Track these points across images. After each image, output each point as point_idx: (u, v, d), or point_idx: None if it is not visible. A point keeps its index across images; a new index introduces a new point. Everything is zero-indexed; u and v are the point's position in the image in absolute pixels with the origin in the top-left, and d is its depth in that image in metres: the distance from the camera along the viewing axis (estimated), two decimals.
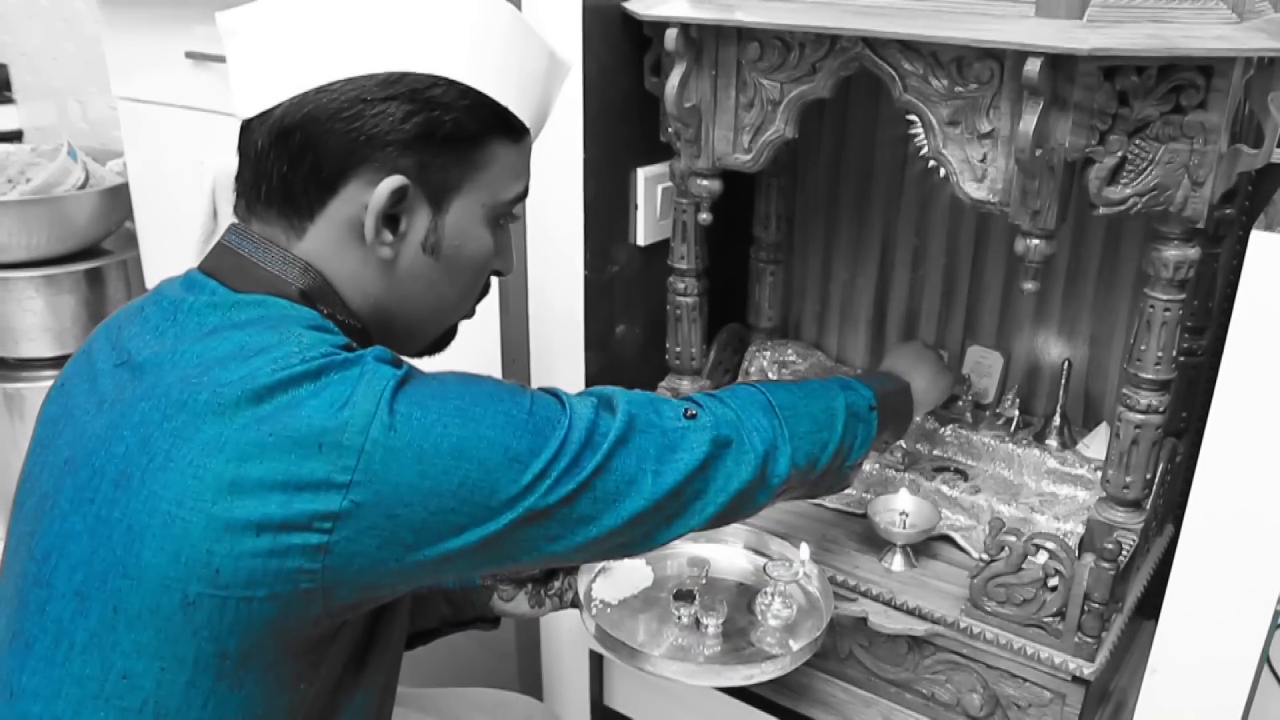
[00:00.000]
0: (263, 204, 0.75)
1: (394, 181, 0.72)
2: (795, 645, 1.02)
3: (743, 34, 1.05)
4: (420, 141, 0.73)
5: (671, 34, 1.06)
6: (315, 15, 0.73)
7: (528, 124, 0.80)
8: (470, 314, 0.87)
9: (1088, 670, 0.98)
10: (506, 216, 0.82)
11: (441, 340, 0.88)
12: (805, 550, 1.08)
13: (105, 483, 0.68)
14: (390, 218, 0.75)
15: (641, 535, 0.78)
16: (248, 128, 0.75)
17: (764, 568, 1.09)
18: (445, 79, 0.73)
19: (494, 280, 0.87)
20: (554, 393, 0.77)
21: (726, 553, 1.15)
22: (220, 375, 0.67)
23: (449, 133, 0.73)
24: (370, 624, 0.78)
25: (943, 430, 1.28)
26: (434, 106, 0.72)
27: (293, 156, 0.72)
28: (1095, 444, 1.20)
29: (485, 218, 0.79)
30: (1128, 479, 1.02)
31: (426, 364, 0.89)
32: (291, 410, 0.66)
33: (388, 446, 0.66)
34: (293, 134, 0.72)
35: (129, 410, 0.69)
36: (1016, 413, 1.26)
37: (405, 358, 0.74)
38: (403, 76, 0.72)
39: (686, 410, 0.82)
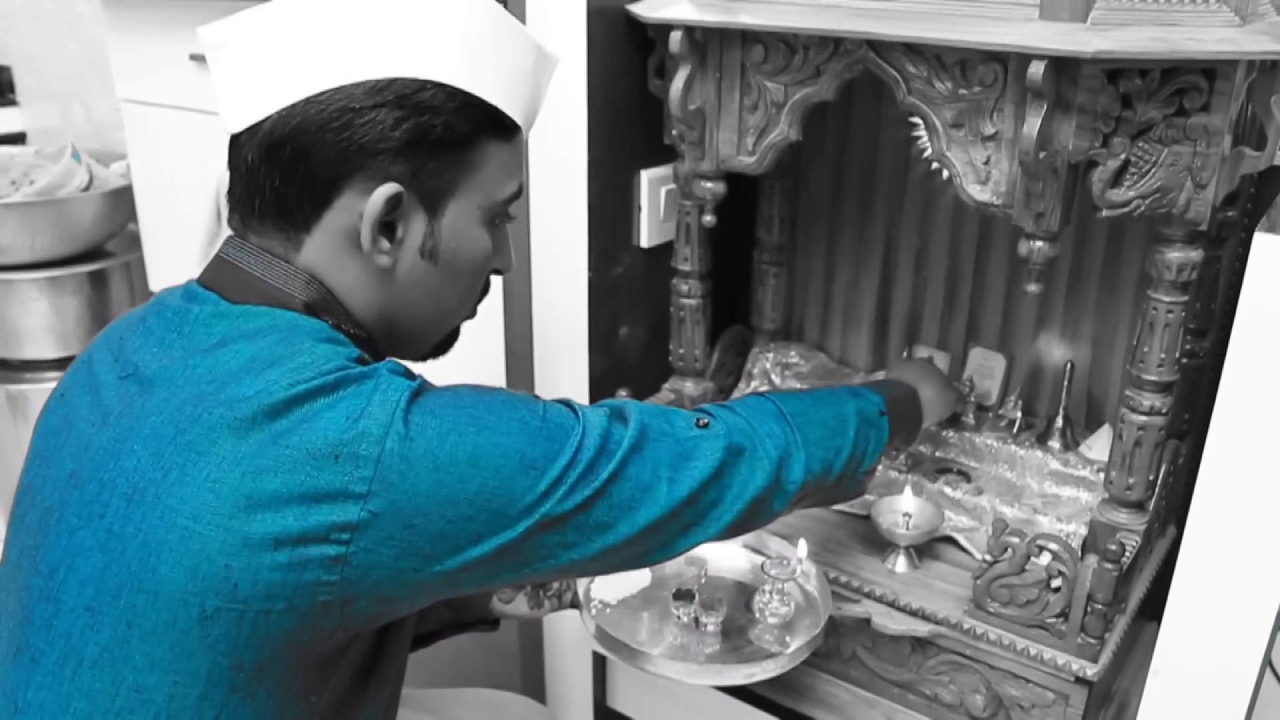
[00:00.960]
0: (257, 218, 0.75)
1: (388, 189, 0.72)
2: (794, 643, 1.03)
3: (747, 36, 1.06)
4: (412, 147, 0.72)
5: (676, 37, 1.06)
6: (299, 25, 0.72)
7: (518, 121, 0.79)
8: (472, 315, 0.87)
9: (1091, 671, 0.98)
10: (502, 216, 0.82)
11: (445, 343, 0.87)
12: (803, 548, 1.08)
13: (116, 497, 0.68)
14: (386, 225, 0.74)
15: (659, 544, 0.79)
16: (237, 141, 0.75)
17: (762, 566, 1.09)
18: (433, 82, 0.72)
19: (494, 279, 0.87)
20: (566, 403, 0.77)
21: (724, 551, 1.15)
22: (235, 390, 0.67)
23: (440, 136, 0.73)
24: (379, 637, 0.77)
25: (946, 432, 1.28)
26: (423, 111, 0.72)
27: (284, 169, 0.72)
28: (1098, 445, 1.21)
29: (481, 218, 0.79)
30: (1130, 480, 1.02)
31: (433, 369, 0.89)
32: (308, 424, 0.66)
33: (404, 456, 0.66)
34: (283, 147, 0.72)
35: (138, 424, 0.69)
36: (1019, 414, 1.26)
37: (416, 369, 0.74)
38: (390, 83, 0.71)
39: (698, 420, 0.82)
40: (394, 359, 0.75)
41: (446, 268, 0.78)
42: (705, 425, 0.81)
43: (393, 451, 0.66)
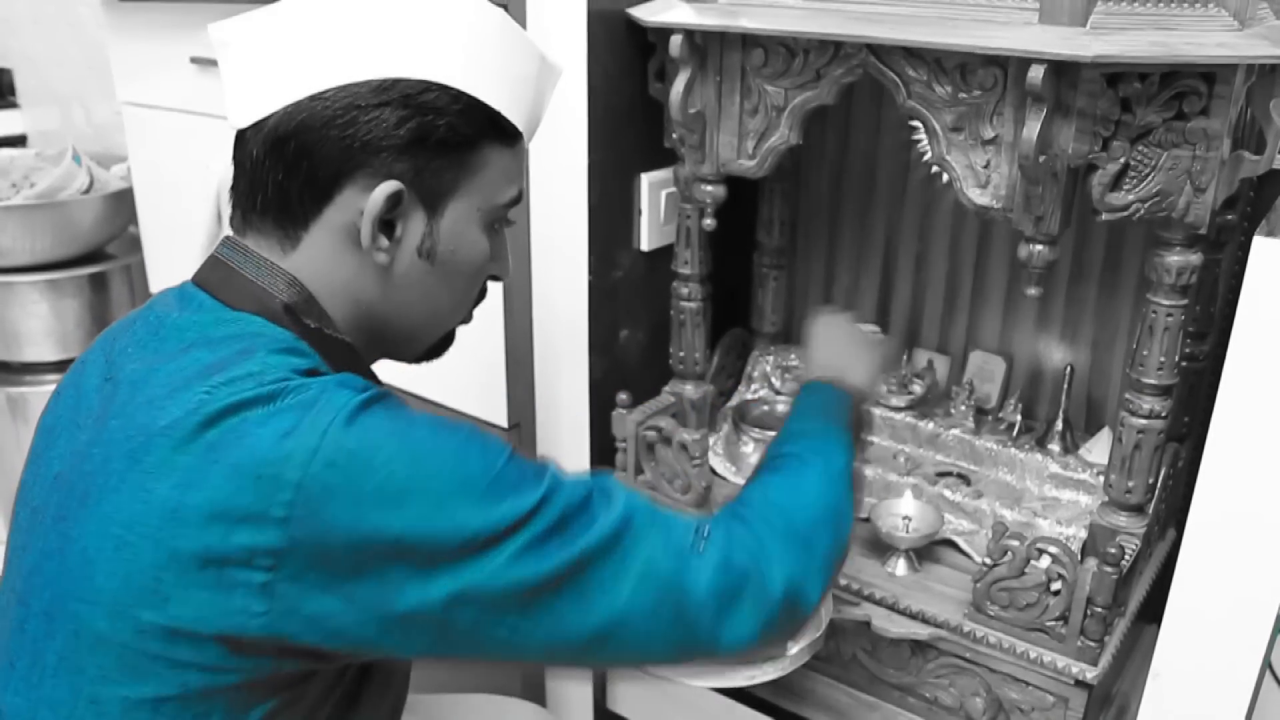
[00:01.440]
0: (258, 214, 0.75)
1: (389, 187, 0.72)
2: (795, 646, 1.03)
3: (747, 40, 1.06)
4: (414, 146, 0.72)
5: (676, 40, 1.06)
6: (307, 24, 0.73)
7: (520, 127, 0.79)
8: (468, 319, 0.87)
9: (1090, 674, 0.99)
10: (502, 221, 0.82)
11: (439, 346, 0.87)
12: None
13: (75, 501, 0.68)
14: (386, 223, 0.74)
15: (625, 652, 0.71)
16: (242, 138, 0.75)
17: None
18: (437, 84, 0.73)
19: (492, 286, 0.86)
20: (543, 467, 0.70)
21: None
22: (182, 398, 0.66)
23: (442, 137, 0.73)
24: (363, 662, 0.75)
25: (945, 435, 1.28)
26: (427, 111, 0.72)
27: (288, 165, 0.72)
28: (1097, 449, 1.21)
29: (481, 221, 0.79)
30: (1130, 484, 1.02)
31: (434, 372, 0.89)
32: (238, 437, 0.64)
33: (326, 484, 0.62)
34: (287, 142, 0.72)
35: (102, 428, 0.69)
36: (1019, 418, 1.26)
37: (405, 369, 0.71)
38: (395, 82, 0.72)
39: (699, 529, 0.74)
40: (352, 372, 0.73)
41: (443, 268, 0.78)
42: (706, 536, 0.73)
43: (316, 477, 0.62)
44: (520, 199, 0.82)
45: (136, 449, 0.66)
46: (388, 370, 0.87)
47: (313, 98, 0.71)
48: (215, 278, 0.76)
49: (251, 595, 0.63)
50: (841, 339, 1.05)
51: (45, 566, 0.68)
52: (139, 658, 0.64)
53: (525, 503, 0.66)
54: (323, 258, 0.75)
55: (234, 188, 0.77)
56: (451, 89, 0.73)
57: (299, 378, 0.67)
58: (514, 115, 0.78)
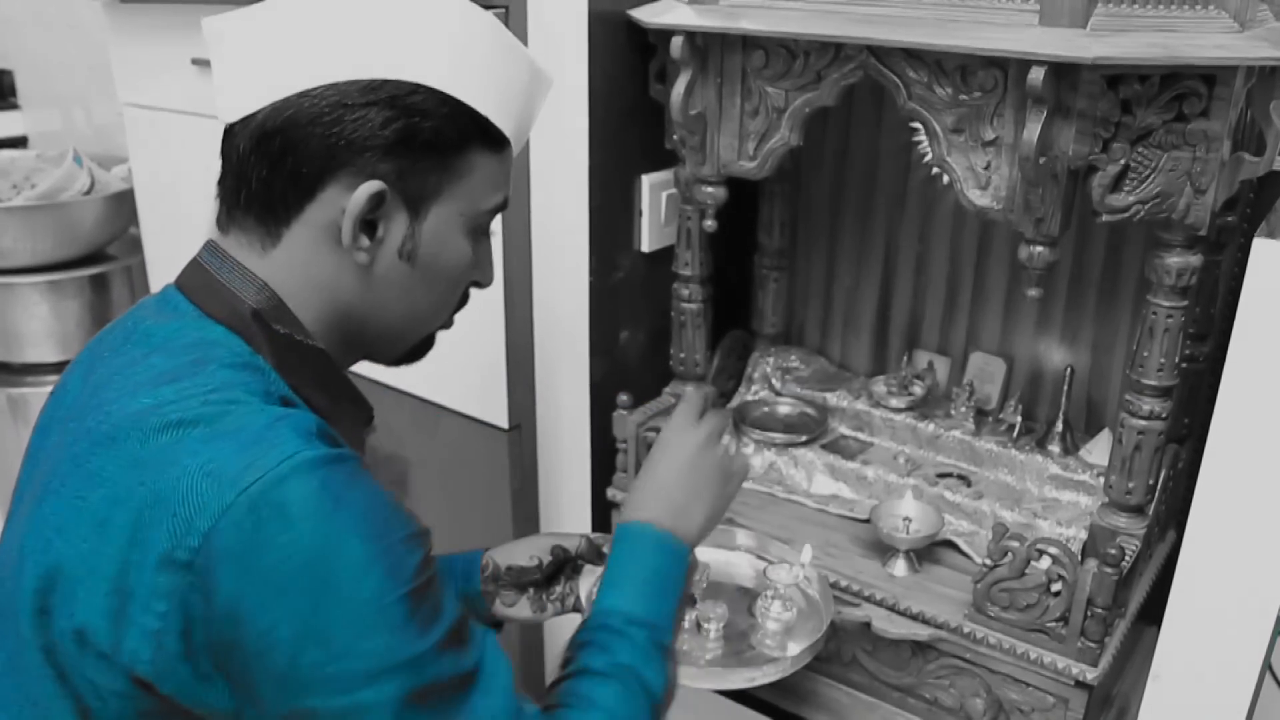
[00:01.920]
0: (242, 209, 0.75)
1: (372, 186, 0.72)
2: (796, 648, 1.03)
3: (748, 42, 1.06)
4: (400, 147, 0.72)
5: (677, 42, 1.06)
6: (299, 21, 0.73)
7: (508, 134, 0.79)
8: (448, 324, 0.86)
9: (1091, 675, 0.99)
10: (486, 227, 0.82)
11: (418, 349, 0.86)
12: (807, 553, 1.08)
13: (34, 500, 0.68)
14: (368, 223, 0.74)
15: None
16: (231, 133, 0.75)
17: (764, 571, 1.09)
18: (425, 86, 0.73)
19: (480, 291, 0.86)
20: (435, 620, 0.67)
21: (727, 556, 1.15)
22: (127, 404, 0.66)
23: (428, 139, 0.73)
24: None
25: (946, 436, 1.28)
26: (413, 113, 0.72)
27: (273, 160, 0.72)
28: (1098, 450, 1.21)
29: (464, 227, 0.79)
30: (1130, 485, 1.02)
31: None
32: (168, 462, 0.63)
33: (227, 543, 0.61)
34: (273, 138, 0.72)
35: (65, 430, 0.70)
36: (1019, 419, 1.26)
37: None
38: (384, 83, 0.72)
39: None
40: (323, 379, 0.73)
41: (424, 271, 0.78)
42: None
43: (221, 533, 0.61)
44: (505, 206, 0.82)
45: (80, 453, 0.66)
46: (389, 373, 0.86)
47: (301, 94, 0.71)
48: (192, 282, 0.76)
49: (144, 641, 0.62)
50: (698, 462, 0.91)
51: (3, 564, 0.69)
52: (61, 666, 0.64)
53: (398, 652, 0.64)
54: (303, 256, 0.75)
55: (220, 182, 0.77)
56: (439, 92, 0.73)
57: (251, 400, 0.67)
58: (502, 122, 0.78)
